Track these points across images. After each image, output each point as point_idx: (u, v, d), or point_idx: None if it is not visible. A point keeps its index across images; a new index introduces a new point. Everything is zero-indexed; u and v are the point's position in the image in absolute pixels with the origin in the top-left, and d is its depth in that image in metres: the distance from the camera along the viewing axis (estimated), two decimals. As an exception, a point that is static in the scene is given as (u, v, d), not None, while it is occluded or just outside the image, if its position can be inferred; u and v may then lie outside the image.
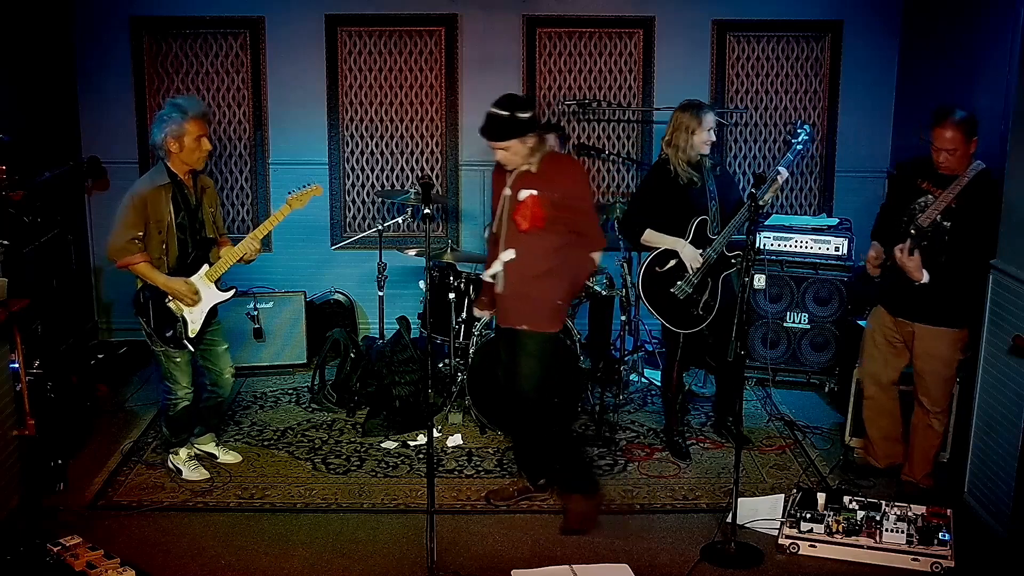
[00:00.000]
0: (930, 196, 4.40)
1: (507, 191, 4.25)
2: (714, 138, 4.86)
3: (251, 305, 6.13)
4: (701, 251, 4.86)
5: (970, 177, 4.29)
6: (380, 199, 6.77)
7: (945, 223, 4.33)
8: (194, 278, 4.58)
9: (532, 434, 4.52)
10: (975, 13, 5.54)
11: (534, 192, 4.18)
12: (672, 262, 4.92)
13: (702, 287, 4.90)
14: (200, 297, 4.60)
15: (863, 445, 4.94)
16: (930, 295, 4.38)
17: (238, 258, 4.60)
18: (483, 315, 4.76)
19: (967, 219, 4.29)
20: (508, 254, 4.26)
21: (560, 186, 4.23)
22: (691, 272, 4.87)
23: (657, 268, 4.95)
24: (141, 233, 4.44)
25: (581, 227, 4.32)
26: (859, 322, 5.63)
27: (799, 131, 5.03)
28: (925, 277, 4.33)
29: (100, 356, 6.13)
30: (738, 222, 4.79)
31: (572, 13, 6.58)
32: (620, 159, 6.77)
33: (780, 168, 4.91)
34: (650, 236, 4.94)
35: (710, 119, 4.81)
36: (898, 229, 4.47)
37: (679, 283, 4.90)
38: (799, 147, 4.98)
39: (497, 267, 4.30)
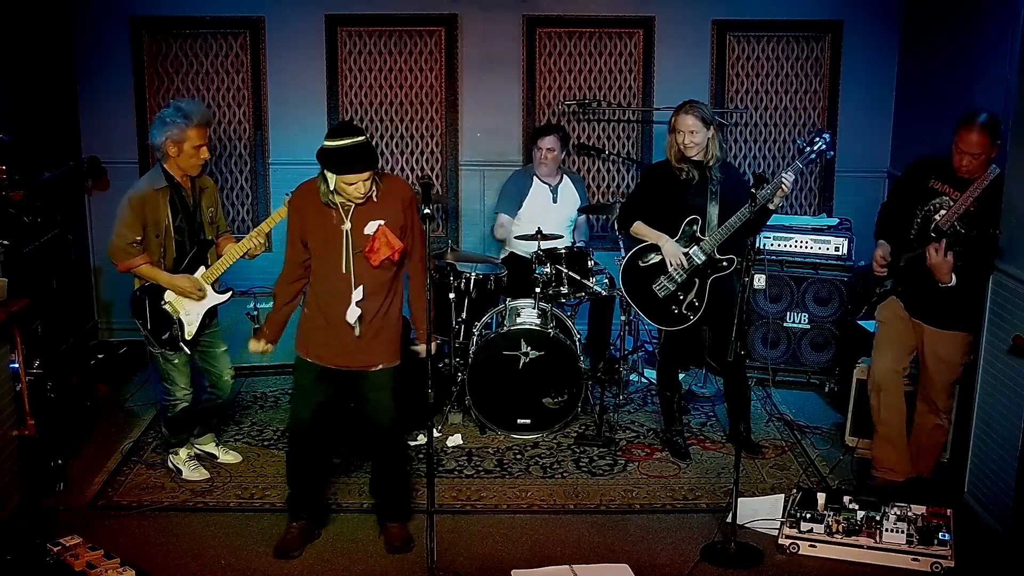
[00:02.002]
0: (946, 198, 4.35)
1: (346, 225, 3.89)
2: (695, 141, 4.74)
3: (251, 305, 6.11)
4: (686, 250, 4.86)
5: (988, 180, 4.25)
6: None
7: (962, 229, 4.28)
8: (193, 279, 4.60)
9: (396, 466, 4.33)
10: (975, 13, 5.54)
11: (382, 222, 3.89)
12: (655, 257, 4.93)
13: (687, 287, 4.90)
14: (204, 294, 4.60)
15: (880, 466, 4.71)
16: (947, 299, 4.34)
17: (242, 254, 4.59)
18: (262, 348, 4.25)
19: (986, 223, 4.22)
20: (358, 293, 3.95)
21: (401, 211, 3.97)
22: (671, 269, 4.88)
23: (640, 262, 4.97)
24: (140, 237, 4.44)
25: (415, 249, 4.07)
26: (859, 322, 5.64)
27: (817, 139, 4.72)
28: (953, 280, 4.26)
29: (100, 356, 6.13)
30: (732, 224, 4.76)
31: (572, 13, 6.58)
32: (620, 159, 6.77)
33: (785, 175, 4.69)
34: (638, 228, 4.99)
35: (680, 121, 4.76)
36: (909, 229, 4.45)
37: (661, 279, 4.91)
38: (812, 155, 4.75)
39: (356, 311, 3.96)
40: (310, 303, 4.10)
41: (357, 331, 3.99)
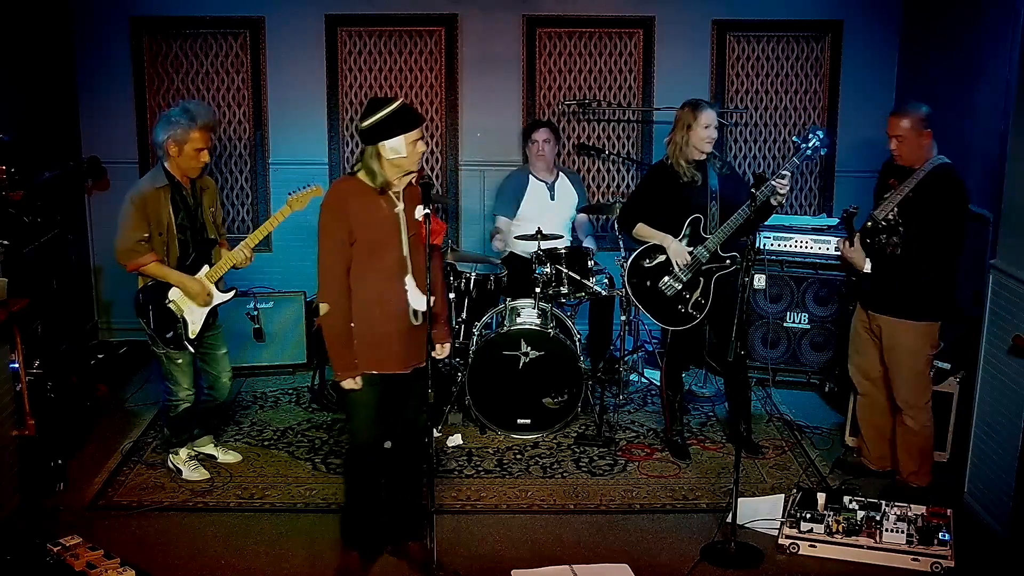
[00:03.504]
0: (894, 192, 4.47)
1: (400, 206, 3.80)
2: (714, 135, 4.81)
3: (251, 305, 6.13)
4: (691, 249, 4.87)
5: (927, 171, 4.35)
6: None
7: (898, 217, 4.40)
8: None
9: (418, 473, 4.13)
10: (975, 13, 5.54)
11: (426, 209, 3.79)
12: (660, 258, 4.94)
13: (692, 285, 4.91)
14: (211, 299, 4.60)
15: (858, 445, 4.94)
16: (888, 287, 4.46)
17: (232, 265, 4.59)
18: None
19: (919, 212, 4.34)
20: (411, 281, 3.81)
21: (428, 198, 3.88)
22: (676, 269, 4.88)
23: (645, 263, 4.97)
24: (147, 235, 4.44)
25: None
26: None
27: (811, 136, 4.73)
28: (867, 267, 4.49)
29: (100, 356, 6.13)
30: (734, 223, 4.77)
31: (572, 13, 6.58)
32: (620, 159, 6.77)
33: (781, 173, 4.71)
34: (641, 230, 5.00)
35: (707, 116, 4.79)
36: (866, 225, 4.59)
37: (666, 279, 4.92)
38: (808, 152, 4.75)
39: (421, 297, 3.79)
40: (357, 314, 3.80)
41: (418, 320, 3.83)
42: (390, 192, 3.80)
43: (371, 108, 3.73)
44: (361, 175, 3.78)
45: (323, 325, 3.78)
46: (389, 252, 3.80)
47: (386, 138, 3.70)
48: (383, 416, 3.94)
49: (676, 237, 4.90)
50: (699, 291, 4.90)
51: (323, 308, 3.76)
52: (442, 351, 4.04)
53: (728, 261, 4.88)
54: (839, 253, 5.87)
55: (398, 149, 3.70)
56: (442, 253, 4.05)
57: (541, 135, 5.92)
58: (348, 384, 3.80)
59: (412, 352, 3.90)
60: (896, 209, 4.42)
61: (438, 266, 4.05)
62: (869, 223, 4.51)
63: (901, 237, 4.40)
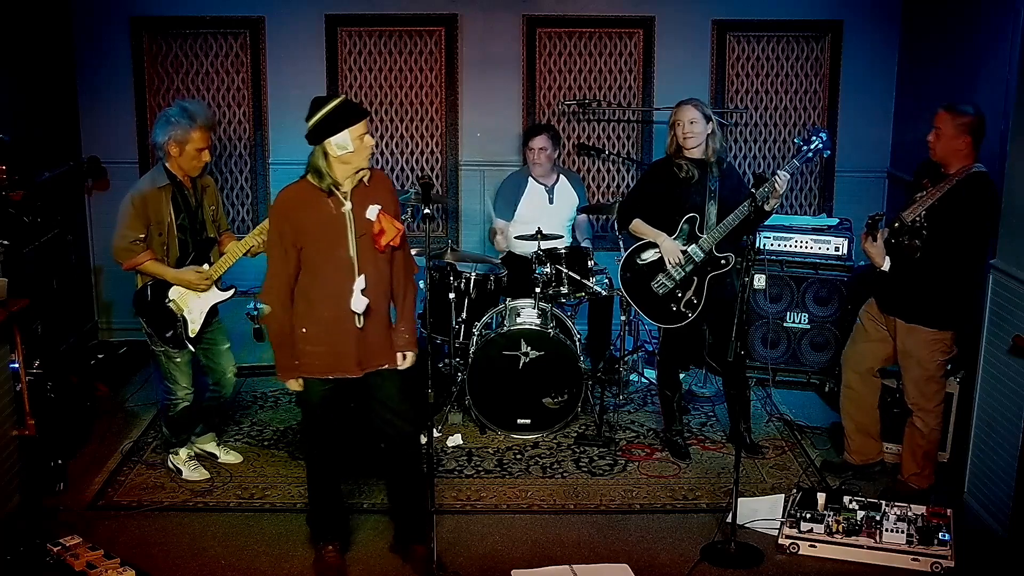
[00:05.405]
0: (924, 193, 4.44)
1: (347, 206, 3.74)
2: (695, 130, 4.76)
3: (251, 305, 6.10)
4: (684, 248, 4.87)
5: (960, 177, 4.31)
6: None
7: (923, 220, 4.37)
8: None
9: (417, 479, 4.08)
10: (975, 13, 5.54)
11: (379, 206, 3.76)
12: (655, 255, 4.94)
13: (686, 284, 4.91)
14: (211, 284, 4.60)
15: (846, 449, 4.91)
16: (907, 291, 4.44)
17: (244, 251, 4.57)
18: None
19: (946, 219, 4.31)
20: (361, 282, 3.75)
21: (392, 198, 3.88)
22: (669, 267, 4.88)
23: (638, 260, 4.97)
24: (143, 235, 4.45)
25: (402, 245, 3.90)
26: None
27: (814, 137, 4.73)
28: (886, 264, 4.47)
29: (100, 356, 6.13)
30: (730, 223, 4.76)
31: (572, 13, 6.58)
32: (620, 159, 6.77)
33: (781, 172, 4.70)
34: (636, 226, 5.00)
35: (682, 112, 4.79)
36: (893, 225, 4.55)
37: (660, 276, 4.92)
38: (810, 154, 4.76)
39: (363, 300, 3.75)
40: (304, 318, 3.81)
41: (360, 323, 3.78)
42: (338, 192, 3.76)
43: (314, 107, 3.71)
44: (309, 177, 3.76)
45: (266, 326, 3.90)
46: (335, 253, 3.76)
47: (331, 135, 3.66)
48: (335, 418, 3.97)
49: (671, 235, 4.90)
50: (692, 290, 4.90)
51: (265, 310, 3.85)
52: (403, 362, 3.96)
53: (723, 261, 4.88)
54: (839, 253, 5.95)
55: (344, 145, 3.66)
56: (408, 255, 3.99)
57: (538, 143, 5.88)
58: (292, 386, 3.91)
59: (369, 355, 3.86)
60: (924, 212, 4.37)
61: (401, 269, 3.94)
62: (896, 223, 4.47)
63: (923, 240, 4.36)
